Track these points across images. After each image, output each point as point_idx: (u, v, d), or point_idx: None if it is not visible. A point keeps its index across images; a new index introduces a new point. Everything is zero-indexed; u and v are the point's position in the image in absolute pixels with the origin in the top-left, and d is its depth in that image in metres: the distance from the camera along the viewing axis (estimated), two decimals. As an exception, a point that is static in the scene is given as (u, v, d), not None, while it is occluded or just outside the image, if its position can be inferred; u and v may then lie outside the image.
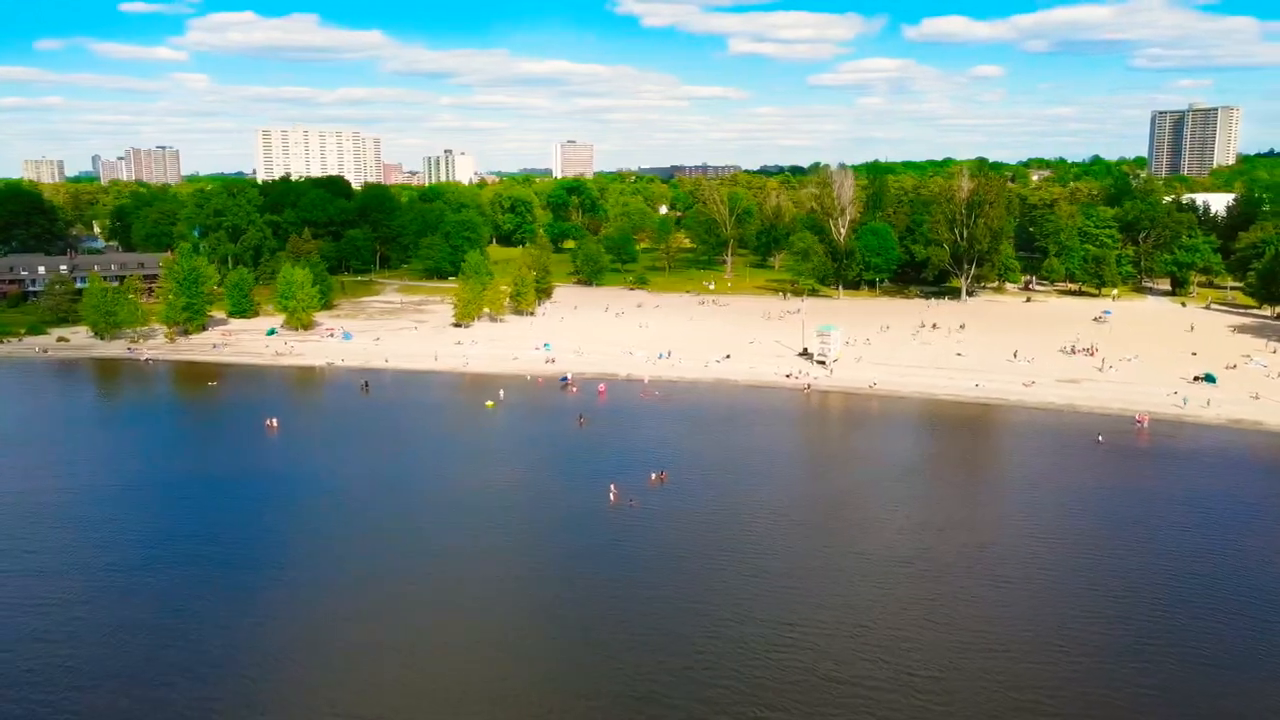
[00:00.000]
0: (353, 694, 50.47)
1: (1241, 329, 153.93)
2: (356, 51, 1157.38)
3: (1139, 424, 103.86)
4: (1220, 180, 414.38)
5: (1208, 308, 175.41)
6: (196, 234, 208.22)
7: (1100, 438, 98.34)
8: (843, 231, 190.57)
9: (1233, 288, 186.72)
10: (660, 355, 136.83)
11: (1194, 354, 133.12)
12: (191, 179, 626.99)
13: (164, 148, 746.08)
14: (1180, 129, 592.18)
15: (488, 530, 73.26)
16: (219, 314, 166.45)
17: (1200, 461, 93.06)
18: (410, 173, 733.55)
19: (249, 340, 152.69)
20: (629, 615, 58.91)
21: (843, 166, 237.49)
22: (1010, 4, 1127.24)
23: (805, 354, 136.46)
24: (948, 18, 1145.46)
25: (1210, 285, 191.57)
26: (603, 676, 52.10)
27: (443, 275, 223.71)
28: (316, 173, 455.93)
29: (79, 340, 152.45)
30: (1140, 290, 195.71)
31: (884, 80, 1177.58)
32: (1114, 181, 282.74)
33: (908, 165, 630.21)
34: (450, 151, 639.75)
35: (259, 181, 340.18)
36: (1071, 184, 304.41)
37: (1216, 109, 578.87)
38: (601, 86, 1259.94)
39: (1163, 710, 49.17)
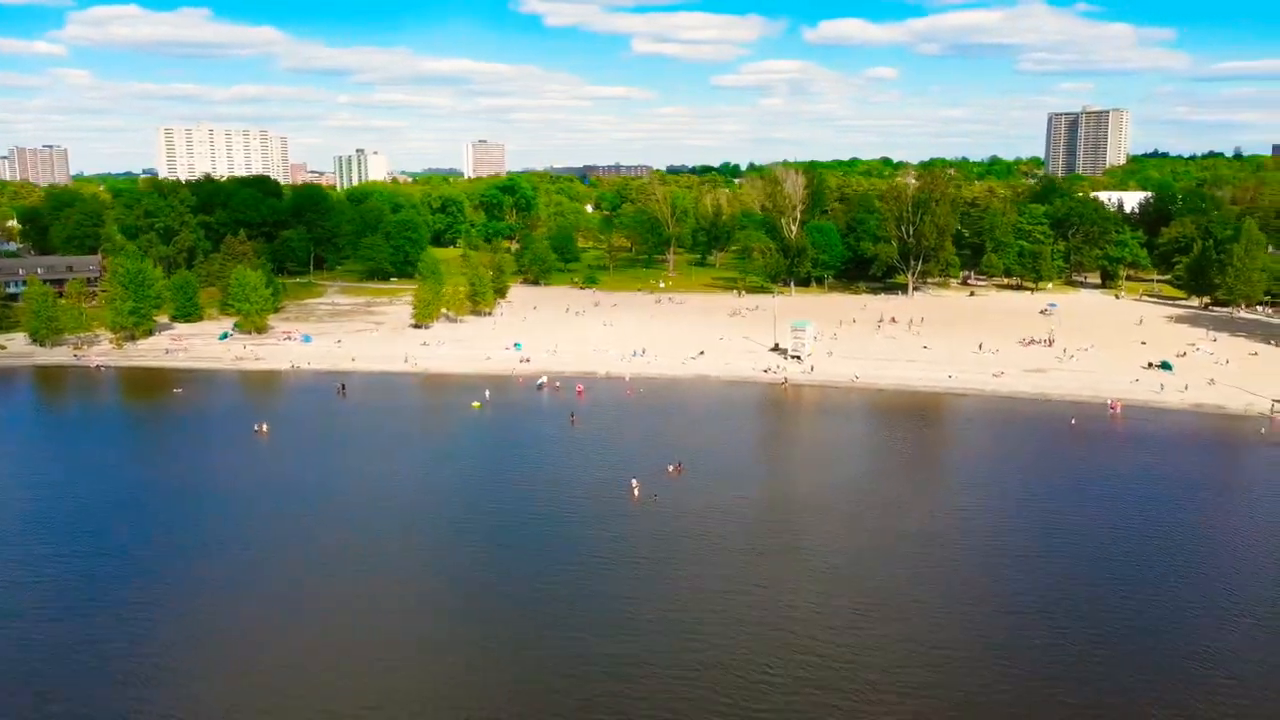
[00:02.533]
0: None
1: (1178, 319, 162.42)
2: (250, 48, 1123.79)
3: (1112, 410, 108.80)
4: (1115, 179, 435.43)
5: (1140, 299, 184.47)
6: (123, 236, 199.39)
7: (1073, 421, 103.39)
8: (794, 229, 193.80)
9: (1158, 280, 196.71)
10: (635, 353, 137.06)
11: (1143, 343, 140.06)
12: (79, 179, 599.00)
13: (50, 146, 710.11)
14: (1075, 130, 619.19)
15: (525, 531, 72.39)
16: (162, 318, 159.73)
17: (1178, 443, 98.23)
18: (315, 172, 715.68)
19: (202, 345, 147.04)
20: (715, 613, 59.26)
21: (786, 165, 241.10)
22: (904, 8, 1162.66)
23: (777, 349, 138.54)
24: (845, 20, 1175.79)
25: (1136, 278, 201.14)
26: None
27: (384, 276, 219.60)
28: (222, 172, 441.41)
29: (16, 347, 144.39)
30: (1072, 284, 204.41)
31: (784, 81, 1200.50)
32: (1040, 181, 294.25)
33: (814, 165, 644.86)
34: (362, 151, 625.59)
35: (160, 181, 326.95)
36: (1006, 181, 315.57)
37: (1108, 111, 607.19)
38: (505, 86, 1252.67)
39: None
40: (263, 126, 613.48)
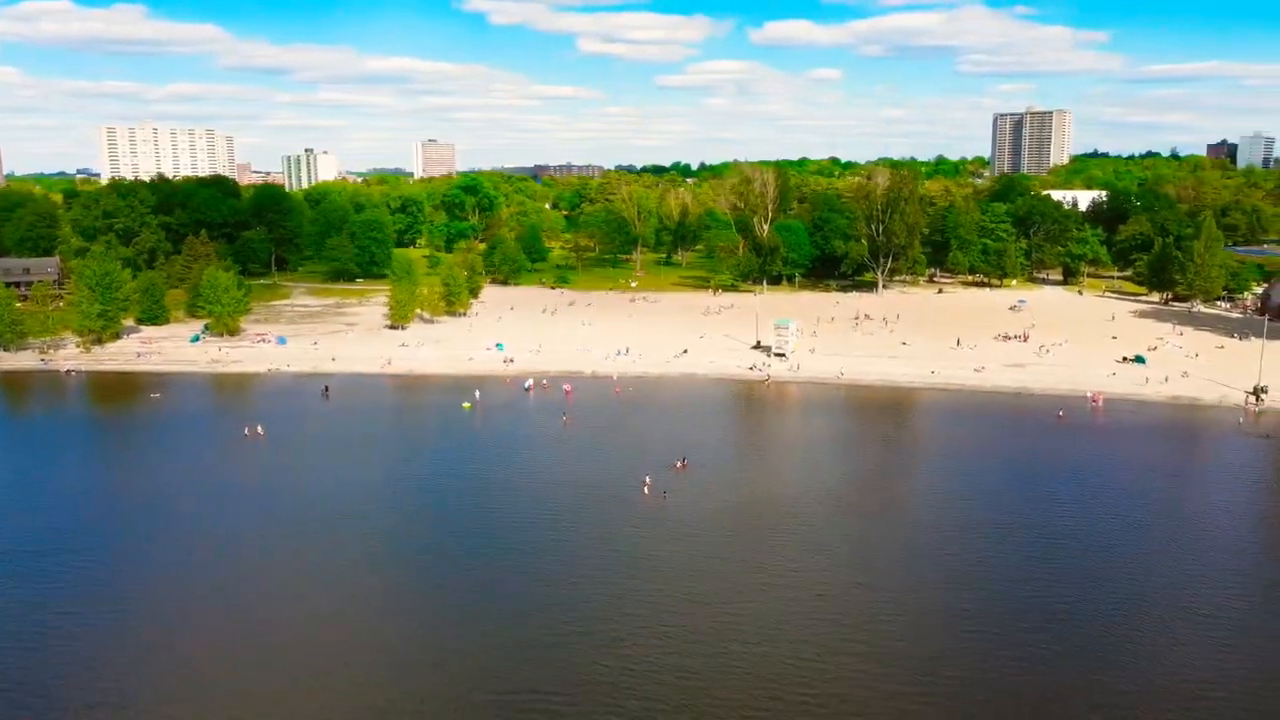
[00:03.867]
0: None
1: (1142, 314, 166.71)
2: (189, 45, 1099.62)
3: (1094, 402, 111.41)
4: (1060, 178, 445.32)
5: (1103, 295, 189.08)
6: (81, 237, 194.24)
7: (1061, 413, 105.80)
8: (765, 228, 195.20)
9: (1119, 277, 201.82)
10: (619, 352, 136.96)
11: (1114, 338, 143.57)
12: (12, 179, 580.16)
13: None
14: (1019, 130, 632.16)
15: (555, 530, 72.10)
16: (127, 321, 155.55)
17: (1163, 434, 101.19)
18: (259, 172, 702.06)
19: (174, 348, 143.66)
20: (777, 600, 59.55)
21: (760, 165, 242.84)
22: (847, 10, 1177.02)
23: (759, 347, 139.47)
24: (789, 22, 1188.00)
25: (1096, 275, 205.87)
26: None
27: (350, 277, 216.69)
28: (167, 172, 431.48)
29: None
30: (1034, 281, 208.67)
31: (730, 81, 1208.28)
32: (999, 179, 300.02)
33: (763, 165, 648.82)
34: (312, 150, 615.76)
35: (101, 181, 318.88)
36: (955, 180, 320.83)
37: (1051, 112, 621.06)
38: (450, 85, 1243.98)
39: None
40: (205, 126, 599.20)
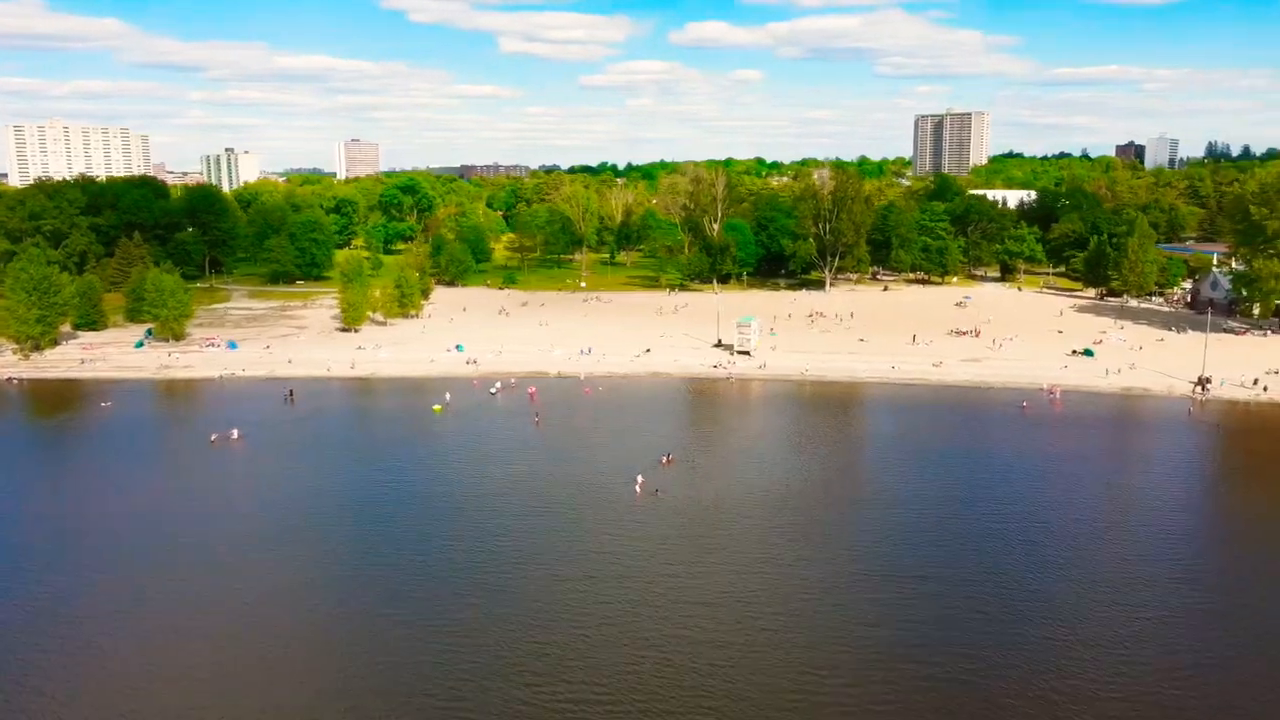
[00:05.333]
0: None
1: (1082, 309, 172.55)
2: (92, 41, 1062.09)
3: (1051, 394, 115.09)
4: (981, 178, 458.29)
5: (1040, 291, 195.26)
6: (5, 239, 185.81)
7: (1025, 404, 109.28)
8: (716, 228, 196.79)
9: (1054, 273, 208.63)
10: (583, 352, 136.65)
11: (1060, 332, 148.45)
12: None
13: None
14: (940, 131, 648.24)
15: (545, 535, 71.68)
16: (63, 327, 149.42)
17: (1122, 423, 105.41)
18: (178, 172, 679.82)
19: (118, 354, 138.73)
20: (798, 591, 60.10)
21: (710, 164, 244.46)
22: (767, 12, 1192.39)
23: (720, 345, 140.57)
24: (709, 23, 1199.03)
25: (1031, 272, 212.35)
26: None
27: (289, 279, 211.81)
28: (79, 172, 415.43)
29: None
30: (973, 278, 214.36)
31: (653, 82, 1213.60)
32: (935, 179, 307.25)
33: (692, 165, 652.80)
34: (232, 150, 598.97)
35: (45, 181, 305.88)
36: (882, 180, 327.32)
37: (970, 114, 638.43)
38: (369, 84, 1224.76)
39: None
40: (118, 124, 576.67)
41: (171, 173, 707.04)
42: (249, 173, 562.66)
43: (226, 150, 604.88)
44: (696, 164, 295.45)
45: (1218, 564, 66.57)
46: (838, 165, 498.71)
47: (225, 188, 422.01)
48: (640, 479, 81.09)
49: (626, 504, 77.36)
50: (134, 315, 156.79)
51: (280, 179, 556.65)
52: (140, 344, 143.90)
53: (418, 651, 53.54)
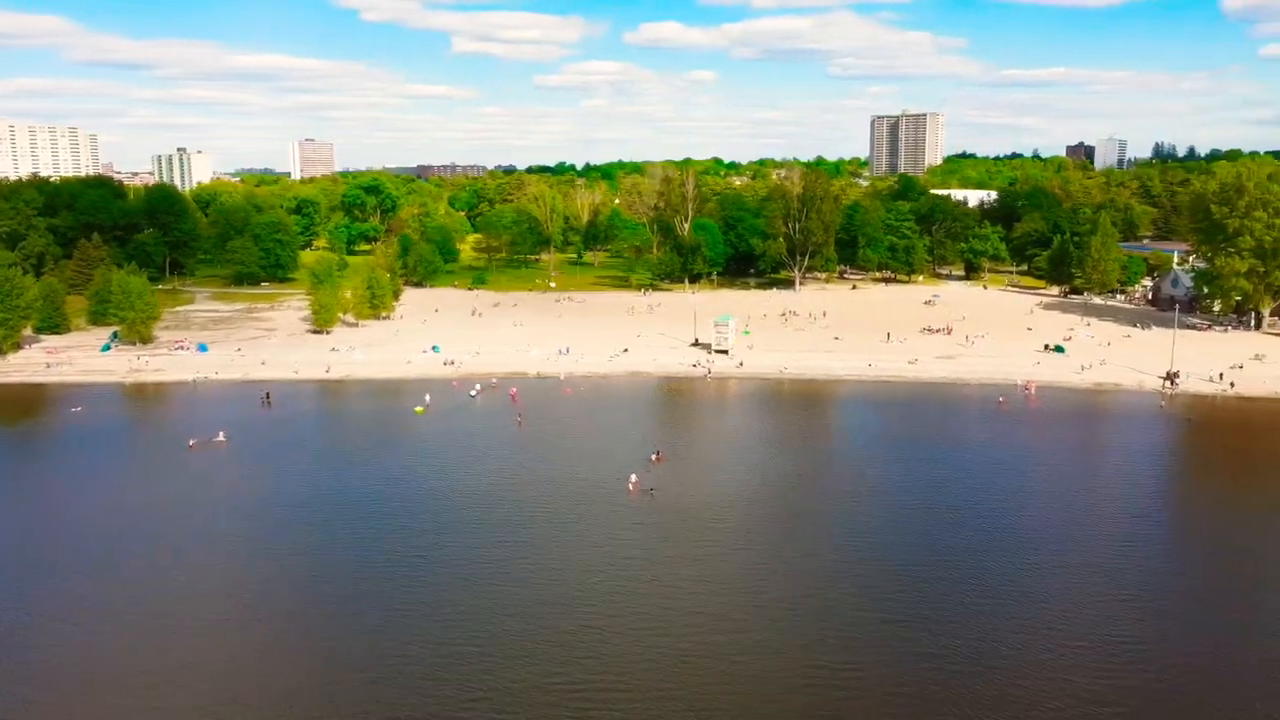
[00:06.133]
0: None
1: (1047, 307, 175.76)
2: (35, 38, 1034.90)
3: (1027, 390, 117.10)
4: (938, 178, 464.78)
5: (1005, 289, 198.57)
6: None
7: (1001, 400, 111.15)
8: (686, 227, 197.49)
9: (1017, 272, 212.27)
10: (560, 352, 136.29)
11: (1029, 329, 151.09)
12: None
13: None
14: (896, 132, 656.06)
15: (549, 537, 71.49)
16: (24, 330, 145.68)
17: (1098, 418, 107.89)
18: (127, 173, 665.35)
19: (84, 358, 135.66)
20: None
21: (668, 164, 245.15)
22: (720, 13, 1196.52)
23: (697, 344, 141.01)
24: (663, 24, 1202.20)
25: (995, 270, 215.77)
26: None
27: (254, 281, 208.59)
28: (25, 172, 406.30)
29: None
30: (938, 276, 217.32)
31: (607, 82, 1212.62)
32: (897, 180, 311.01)
33: (648, 165, 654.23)
34: (184, 150, 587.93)
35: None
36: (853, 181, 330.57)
37: (925, 114, 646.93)
38: (321, 83, 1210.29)
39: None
40: (65, 124, 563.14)
41: (119, 173, 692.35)
42: (202, 173, 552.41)
43: (179, 150, 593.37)
44: (655, 164, 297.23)
45: (1198, 550, 68.27)
46: (796, 165, 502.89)
47: (179, 188, 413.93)
48: (634, 478, 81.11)
49: (623, 502, 77.33)
50: (98, 318, 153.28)
51: (233, 179, 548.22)
52: (107, 347, 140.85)
53: (452, 652, 53.19)
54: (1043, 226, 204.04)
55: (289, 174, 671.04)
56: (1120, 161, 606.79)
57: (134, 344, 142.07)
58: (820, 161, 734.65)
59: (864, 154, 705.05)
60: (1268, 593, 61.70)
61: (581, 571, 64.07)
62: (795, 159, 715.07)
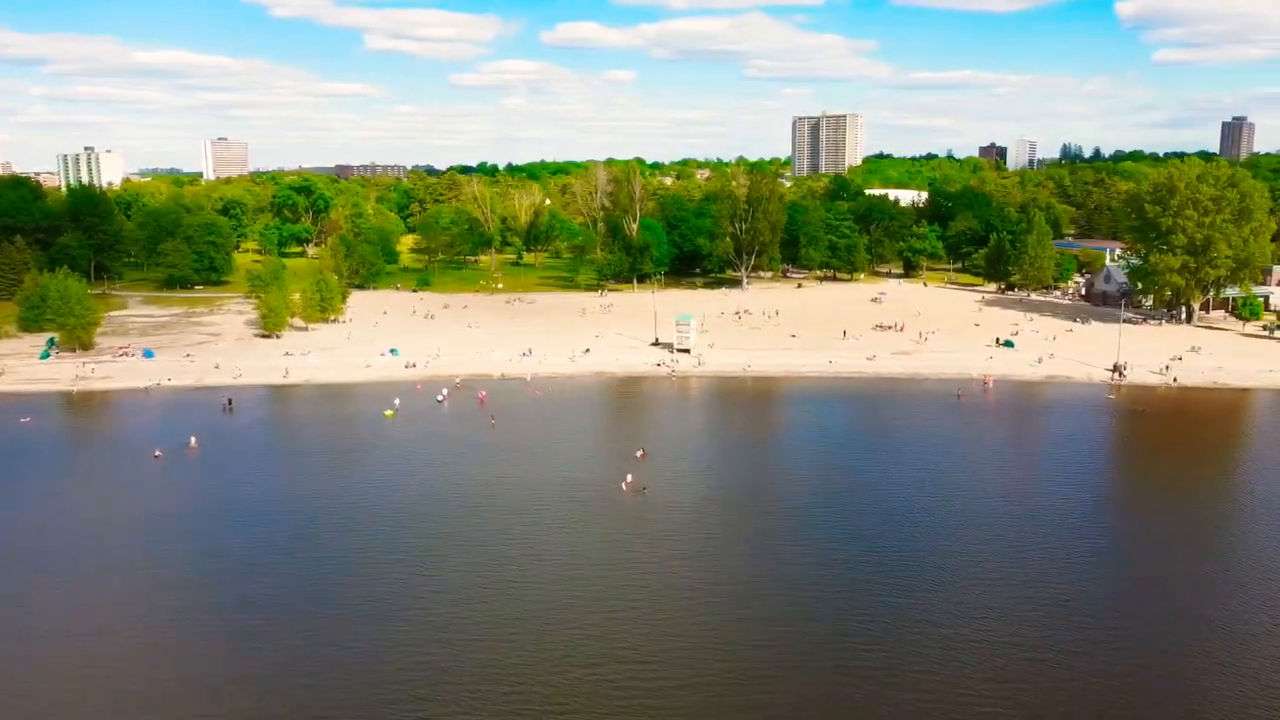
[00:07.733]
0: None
1: (989, 303, 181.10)
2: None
3: (984, 384, 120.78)
4: (860, 178, 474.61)
5: (945, 286, 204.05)
6: None
7: (959, 394, 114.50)
8: (634, 227, 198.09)
9: (954, 269, 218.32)
10: (523, 354, 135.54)
11: (976, 325, 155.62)
12: None
13: None
14: (817, 133, 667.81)
15: (551, 539, 71.28)
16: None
17: (1054, 408, 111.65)
18: (27, 173, 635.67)
19: (22, 366, 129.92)
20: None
21: (590, 164, 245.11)
22: (637, 13, 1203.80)
23: (658, 343, 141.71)
24: (580, 24, 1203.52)
25: (932, 268, 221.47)
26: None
27: (186, 284, 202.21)
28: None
29: None
30: (878, 274, 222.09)
31: (524, 82, 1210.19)
32: (831, 180, 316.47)
33: (571, 165, 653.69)
34: (92, 149, 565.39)
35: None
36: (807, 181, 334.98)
37: (845, 115, 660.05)
38: (229, 80, 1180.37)
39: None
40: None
41: (19, 173, 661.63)
42: (112, 173, 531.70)
43: (86, 149, 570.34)
44: (598, 163, 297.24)
45: (1153, 533, 71.56)
46: (724, 167, 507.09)
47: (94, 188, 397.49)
48: (630, 478, 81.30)
49: (620, 501, 77.57)
50: (29, 324, 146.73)
51: (141, 179, 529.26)
52: (45, 354, 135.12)
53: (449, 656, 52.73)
54: (976, 225, 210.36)
55: (200, 174, 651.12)
56: (1031, 162, 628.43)
57: (74, 350, 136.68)
58: (742, 162, 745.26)
59: (785, 154, 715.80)
60: (1209, 563, 65.23)
61: (610, 569, 64.16)
62: (718, 159, 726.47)
